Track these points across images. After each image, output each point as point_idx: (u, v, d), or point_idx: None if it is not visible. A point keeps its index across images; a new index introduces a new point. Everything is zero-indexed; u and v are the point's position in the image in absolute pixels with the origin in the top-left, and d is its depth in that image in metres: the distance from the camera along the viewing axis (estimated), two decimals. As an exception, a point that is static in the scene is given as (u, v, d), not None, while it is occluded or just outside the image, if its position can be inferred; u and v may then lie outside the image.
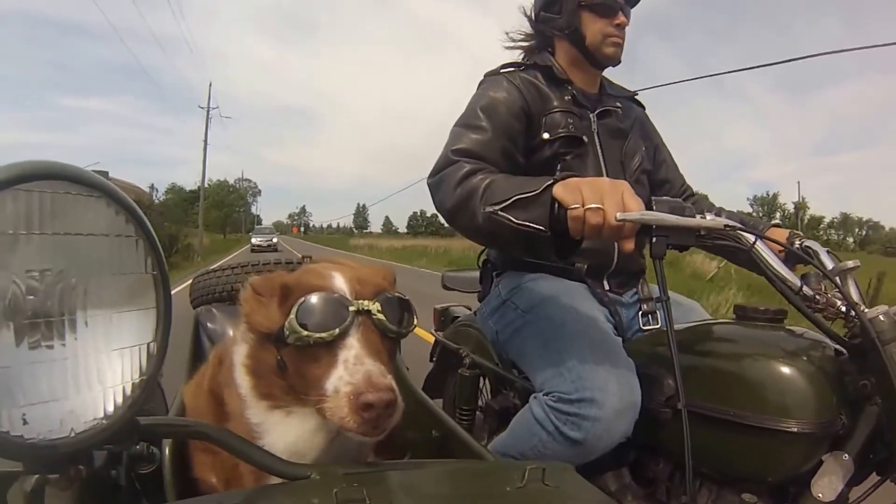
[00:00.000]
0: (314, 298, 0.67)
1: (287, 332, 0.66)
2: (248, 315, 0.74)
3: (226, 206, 62.77)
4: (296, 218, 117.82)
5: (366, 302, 0.68)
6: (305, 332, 0.65)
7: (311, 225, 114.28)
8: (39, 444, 0.46)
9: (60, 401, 0.48)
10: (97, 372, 0.50)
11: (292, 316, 0.66)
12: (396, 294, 0.73)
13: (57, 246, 0.47)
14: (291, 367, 0.69)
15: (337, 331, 0.65)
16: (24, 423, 0.45)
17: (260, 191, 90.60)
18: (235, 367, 0.77)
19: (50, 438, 0.46)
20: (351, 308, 0.67)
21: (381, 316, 0.68)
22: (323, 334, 0.65)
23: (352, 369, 0.63)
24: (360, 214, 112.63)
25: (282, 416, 0.72)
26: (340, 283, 0.71)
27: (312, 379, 0.66)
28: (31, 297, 0.46)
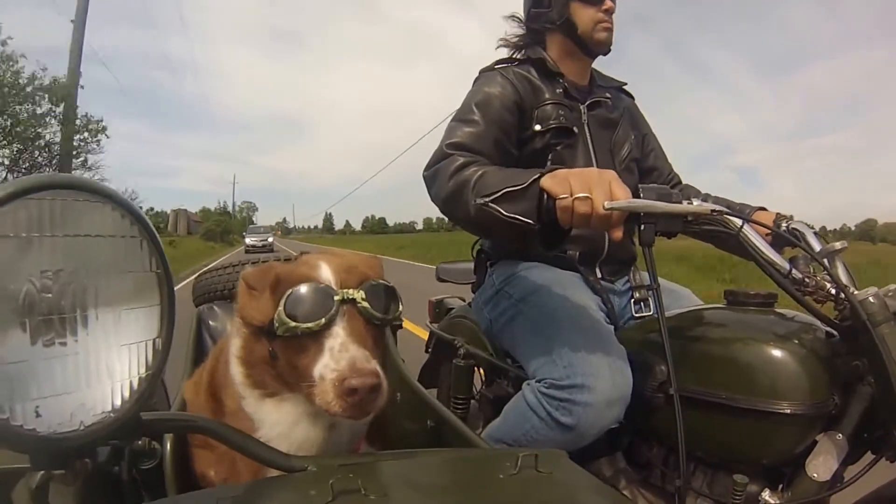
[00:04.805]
0: (301, 290, 0.69)
1: (277, 324, 0.68)
2: (242, 308, 0.76)
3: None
4: (279, 223, 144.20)
5: (350, 291, 0.70)
6: (293, 323, 0.67)
7: (290, 227, 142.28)
8: (50, 437, 0.47)
9: (72, 394, 0.49)
10: (106, 366, 0.52)
11: (281, 308, 0.68)
12: (381, 282, 0.75)
13: (67, 248, 0.49)
14: (282, 356, 0.71)
15: (323, 320, 0.67)
16: (37, 415, 0.47)
17: (257, 208, 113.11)
18: (231, 359, 0.79)
19: (60, 432, 0.48)
20: (336, 297, 0.69)
21: (365, 304, 0.70)
22: (310, 324, 0.67)
23: (337, 356, 0.65)
24: (328, 220, 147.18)
25: (275, 406, 0.74)
26: (327, 273, 0.73)
27: (302, 367, 0.68)
28: (47, 295, 0.48)
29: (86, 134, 13.30)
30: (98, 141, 13.65)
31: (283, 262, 0.81)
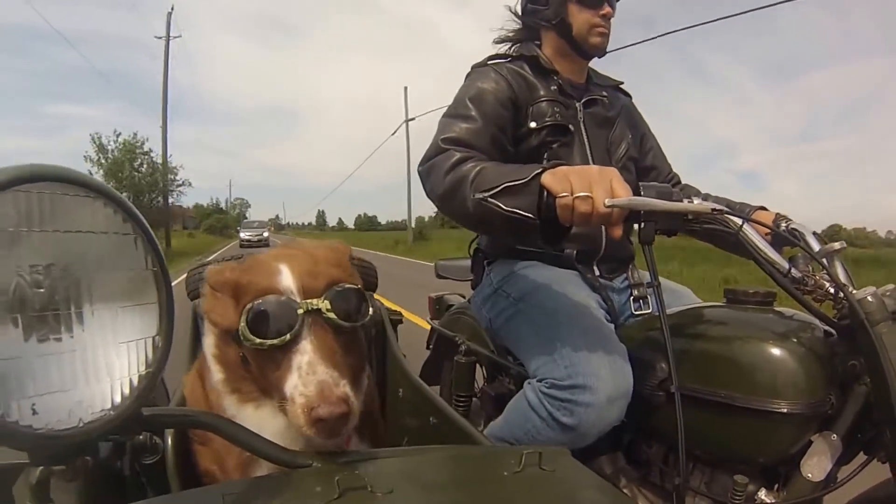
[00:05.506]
0: (261, 305, 0.66)
1: (242, 338, 0.66)
2: (209, 312, 0.73)
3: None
4: (272, 220, 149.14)
5: (314, 301, 0.67)
6: (258, 340, 0.65)
7: (282, 224, 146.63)
8: (48, 434, 0.46)
9: (69, 391, 0.48)
10: (105, 364, 0.51)
11: (243, 324, 0.66)
12: (347, 286, 0.71)
13: (58, 243, 0.48)
14: (254, 365, 0.69)
15: (288, 336, 0.64)
16: (34, 413, 0.46)
17: (250, 205, 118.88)
18: (208, 357, 0.77)
19: (58, 429, 0.47)
20: (299, 311, 0.66)
21: (331, 314, 0.67)
22: (275, 341, 0.64)
23: (305, 378, 0.63)
24: (321, 217, 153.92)
25: (254, 412, 0.72)
26: (288, 280, 0.69)
27: (273, 380, 0.66)
28: (38, 290, 0.47)
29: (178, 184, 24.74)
30: (184, 189, 25.09)
31: (241, 264, 0.76)
